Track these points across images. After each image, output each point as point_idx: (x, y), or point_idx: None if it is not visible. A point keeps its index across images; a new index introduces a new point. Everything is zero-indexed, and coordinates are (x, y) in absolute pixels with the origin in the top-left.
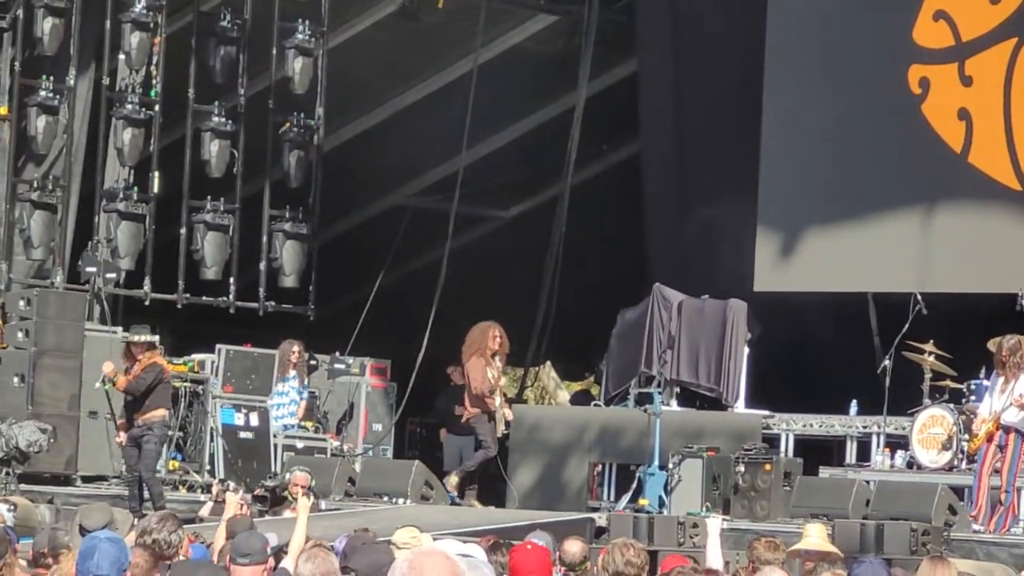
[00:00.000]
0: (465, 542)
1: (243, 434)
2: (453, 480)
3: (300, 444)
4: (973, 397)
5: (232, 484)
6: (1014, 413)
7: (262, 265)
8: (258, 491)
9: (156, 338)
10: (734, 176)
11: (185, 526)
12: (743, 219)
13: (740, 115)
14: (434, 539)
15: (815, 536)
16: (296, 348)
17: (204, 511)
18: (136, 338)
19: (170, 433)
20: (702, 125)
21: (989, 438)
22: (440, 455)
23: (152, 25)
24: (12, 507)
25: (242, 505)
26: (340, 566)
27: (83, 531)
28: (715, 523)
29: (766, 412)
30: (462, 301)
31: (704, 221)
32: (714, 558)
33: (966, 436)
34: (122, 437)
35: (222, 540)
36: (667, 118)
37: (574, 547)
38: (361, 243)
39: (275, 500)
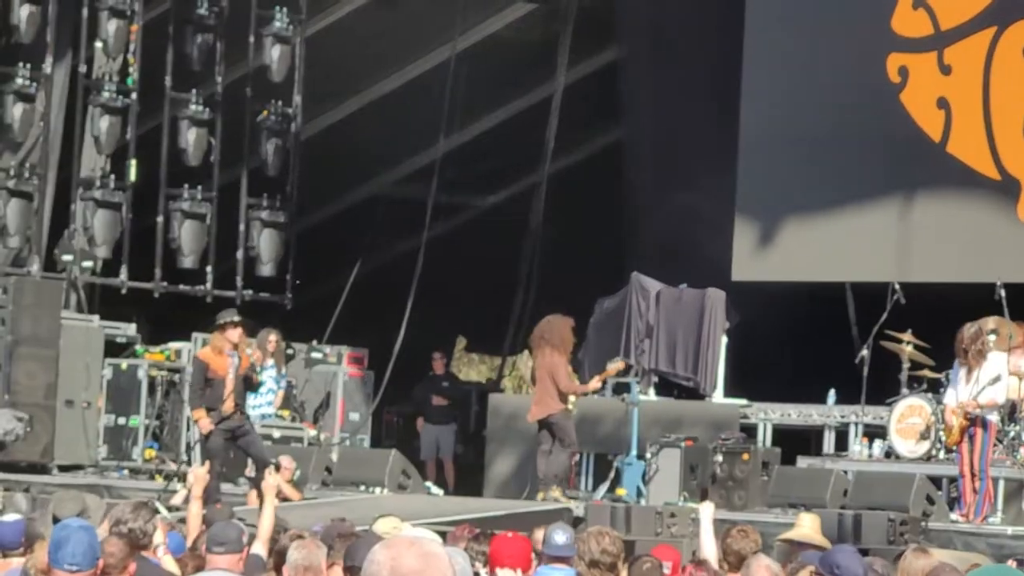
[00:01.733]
0: (443, 533)
1: None
2: (556, 491)
3: (277, 433)
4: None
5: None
6: (988, 394)
7: (239, 253)
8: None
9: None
10: (714, 164)
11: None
12: (723, 206)
13: (720, 102)
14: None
15: (808, 527)
16: (273, 337)
17: (177, 499)
18: (237, 318)
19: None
20: (682, 113)
21: (962, 432)
22: (417, 444)
23: (129, 13)
24: None
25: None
26: (342, 564)
27: (56, 520)
28: (707, 510)
29: (744, 401)
30: (440, 290)
31: (684, 208)
32: (707, 546)
33: (943, 426)
34: (207, 426)
35: (196, 529)
36: (648, 106)
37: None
38: (339, 232)
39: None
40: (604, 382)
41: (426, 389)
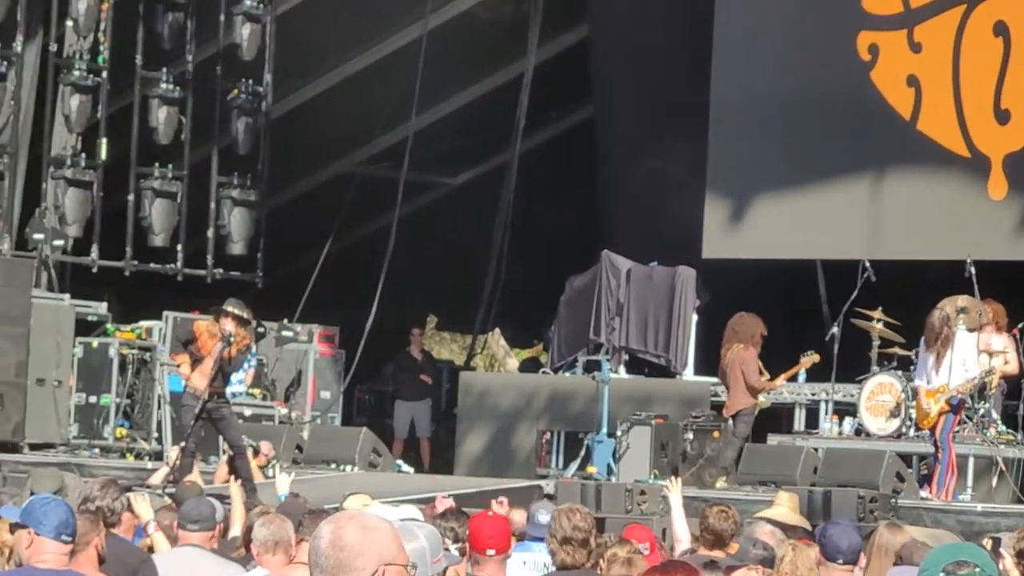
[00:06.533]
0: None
1: None
2: (722, 479)
3: (248, 412)
4: None
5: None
6: (962, 377)
7: (210, 232)
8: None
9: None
10: (685, 142)
11: (129, 493)
12: (694, 184)
13: (690, 82)
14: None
15: (785, 506)
16: None
17: (153, 479)
18: (243, 313)
19: None
20: (653, 91)
21: (940, 415)
22: (389, 422)
23: None
24: None
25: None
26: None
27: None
28: (675, 497)
29: (714, 379)
30: (411, 268)
31: (655, 186)
32: (680, 529)
33: (913, 403)
34: (188, 373)
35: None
36: (620, 82)
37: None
38: (309, 210)
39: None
40: (794, 377)
41: (401, 366)
